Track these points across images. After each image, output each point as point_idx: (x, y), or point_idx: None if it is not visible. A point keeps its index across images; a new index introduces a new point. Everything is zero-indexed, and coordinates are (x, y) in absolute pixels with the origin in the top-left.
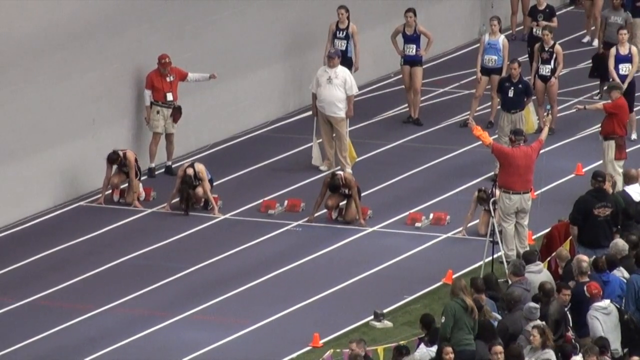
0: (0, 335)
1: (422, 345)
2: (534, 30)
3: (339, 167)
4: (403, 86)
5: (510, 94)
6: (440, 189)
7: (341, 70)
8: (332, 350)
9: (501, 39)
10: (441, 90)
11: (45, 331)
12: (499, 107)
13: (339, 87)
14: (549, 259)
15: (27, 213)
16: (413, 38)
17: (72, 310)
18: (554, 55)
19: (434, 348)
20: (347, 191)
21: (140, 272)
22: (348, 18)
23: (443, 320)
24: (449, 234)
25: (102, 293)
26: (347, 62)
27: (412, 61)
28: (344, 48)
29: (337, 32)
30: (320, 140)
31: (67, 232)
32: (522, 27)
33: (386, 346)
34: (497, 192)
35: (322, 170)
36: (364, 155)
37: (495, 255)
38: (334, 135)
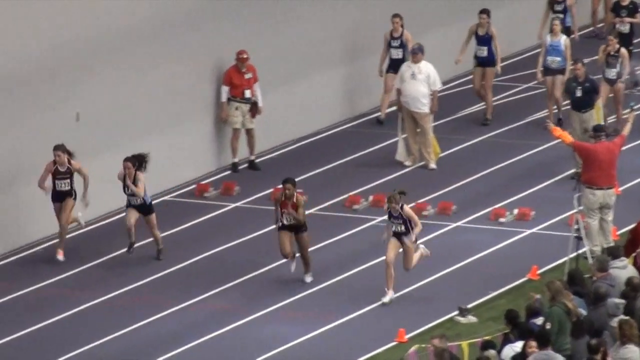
0: (77, 333)
1: (506, 347)
2: (617, 26)
3: (422, 162)
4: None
5: (578, 93)
6: (525, 184)
7: (424, 66)
8: (417, 345)
9: (563, 40)
10: (518, 88)
11: (125, 328)
12: (568, 107)
13: (422, 82)
14: (634, 254)
15: (113, 207)
16: (485, 39)
17: (155, 305)
18: (620, 59)
19: (519, 344)
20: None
21: (224, 267)
22: (402, 26)
23: (548, 327)
24: (534, 230)
25: (184, 288)
26: None
27: (484, 62)
28: (400, 56)
29: (392, 41)
30: (405, 135)
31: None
32: (602, 24)
33: (471, 341)
34: (581, 188)
35: (407, 166)
36: (448, 151)
37: (579, 251)
38: (418, 130)
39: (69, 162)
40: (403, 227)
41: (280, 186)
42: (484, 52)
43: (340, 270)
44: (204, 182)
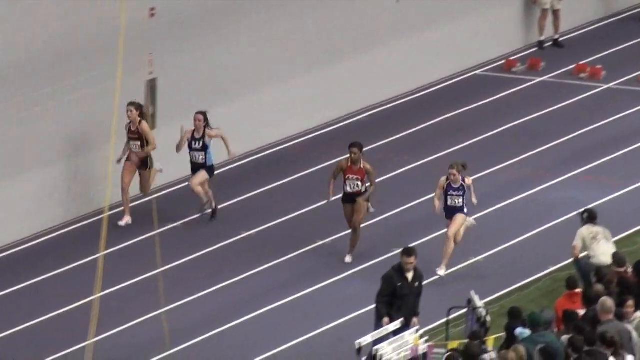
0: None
1: None
2: None
3: None
4: None
5: None
6: None
7: None
8: None
9: None
10: None
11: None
12: None
13: None
14: None
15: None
16: None
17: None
18: None
19: None
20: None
21: (532, 135)
22: None
23: None
24: None
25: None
26: None
27: None
28: None
29: None
30: None
31: (464, 99)
32: None
33: None
34: None
35: None
36: None
37: None
38: None
39: (139, 123)
40: (460, 201)
41: (583, 62)
42: None
43: (624, 144)
44: (512, 58)
